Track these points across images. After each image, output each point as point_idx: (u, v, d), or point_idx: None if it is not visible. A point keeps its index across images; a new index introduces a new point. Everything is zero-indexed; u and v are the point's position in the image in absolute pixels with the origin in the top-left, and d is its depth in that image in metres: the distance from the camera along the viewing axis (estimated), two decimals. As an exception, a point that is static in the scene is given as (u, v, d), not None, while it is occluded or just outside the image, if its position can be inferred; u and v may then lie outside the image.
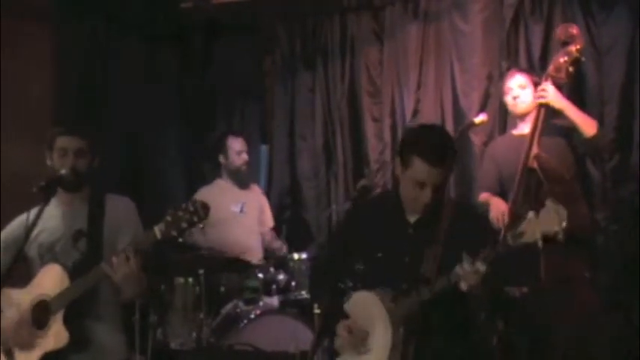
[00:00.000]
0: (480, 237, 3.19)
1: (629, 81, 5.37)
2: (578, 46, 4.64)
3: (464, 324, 3.32)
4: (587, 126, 4.60)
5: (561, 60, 4.64)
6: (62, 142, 3.56)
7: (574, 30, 4.70)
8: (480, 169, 5.33)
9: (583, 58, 4.78)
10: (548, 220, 2.95)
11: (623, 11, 5.38)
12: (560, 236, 2.92)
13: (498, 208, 4.60)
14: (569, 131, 4.66)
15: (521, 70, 5.03)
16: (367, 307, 3.22)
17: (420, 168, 3.12)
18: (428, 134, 3.28)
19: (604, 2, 5.47)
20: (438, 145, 3.17)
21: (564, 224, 2.92)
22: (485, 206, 4.72)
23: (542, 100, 4.61)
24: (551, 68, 4.68)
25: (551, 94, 4.60)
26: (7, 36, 5.50)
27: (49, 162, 3.60)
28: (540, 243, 2.98)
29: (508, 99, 4.87)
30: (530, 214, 2.99)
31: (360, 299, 3.27)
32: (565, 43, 4.69)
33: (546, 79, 4.66)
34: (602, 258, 5.21)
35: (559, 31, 4.80)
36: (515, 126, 4.96)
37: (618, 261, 5.25)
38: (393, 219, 3.32)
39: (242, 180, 6.04)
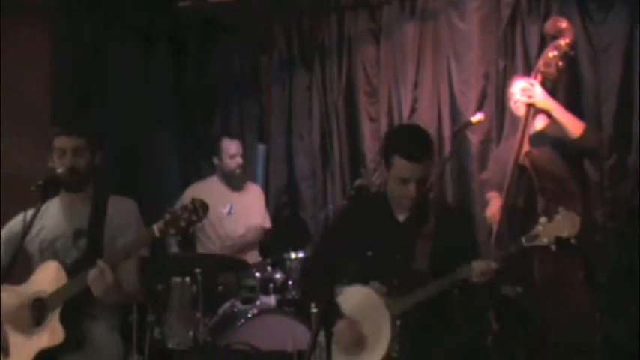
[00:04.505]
0: (466, 235, 3.54)
1: (627, 80, 5.37)
2: (567, 40, 4.60)
3: (453, 319, 3.56)
4: (573, 127, 4.56)
5: (550, 54, 4.61)
6: (60, 142, 3.58)
7: (563, 24, 4.66)
8: (491, 169, 5.37)
9: (572, 52, 4.73)
10: (562, 225, 3.26)
11: (620, 10, 5.38)
12: (573, 241, 3.23)
13: (493, 207, 4.65)
14: (559, 141, 4.62)
15: (522, 75, 5.04)
16: (363, 301, 3.36)
17: (402, 166, 3.36)
18: (406, 133, 3.63)
19: (601, 1, 5.46)
20: (415, 143, 3.42)
21: (577, 230, 3.24)
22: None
23: (529, 100, 4.60)
24: (540, 63, 4.66)
25: (538, 94, 4.59)
26: (5, 36, 5.50)
27: (50, 164, 3.61)
28: (553, 247, 3.31)
29: (511, 104, 4.88)
30: (543, 219, 3.31)
31: (354, 293, 3.39)
32: (554, 38, 4.66)
33: (536, 75, 4.65)
34: (600, 257, 5.23)
35: (548, 26, 4.76)
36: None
37: (616, 260, 5.26)
38: (383, 218, 3.53)
39: (235, 183, 6.02)
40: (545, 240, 3.29)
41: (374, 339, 3.33)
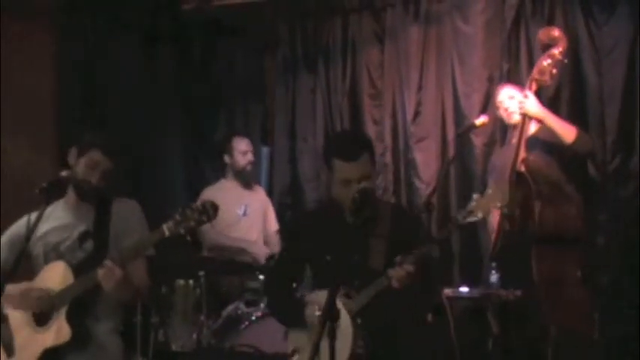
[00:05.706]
0: (416, 236, 3.57)
1: (630, 82, 5.37)
2: (560, 49, 4.71)
3: (407, 316, 3.64)
4: (566, 133, 4.66)
5: (544, 63, 4.72)
6: (97, 155, 3.57)
7: (555, 32, 4.78)
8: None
9: (566, 60, 4.84)
10: (494, 197, 3.44)
11: (624, 13, 5.38)
12: (505, 211, 3.60)
13: (494, 218, 4.68)
14: (553, 145, 4.70)
15: (507, 83, 5.20)
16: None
17: (341, 167, 3.48)
18: (339, 137, 3.97)
19: (605, 4, 5.46)
20: (348, 142, 3.63)
21: (507, 199, 3.53)
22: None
23: (521, 111, 4.70)
24: (535, 72, 4.76)
25: (529, 104, 4.68)
26: (7, 36, 5.51)
27: (71, 159, 3.61)
28: (489, 218, 3.65)
29: (501, 112, 5.00)
30: (475, 196, 3.47)
31: (316, 300, 3.49)
32: (547, 46, 4.77)
33: (531, 83, 4.74)
34: (603, 258, 5.24)
35: (541, 35, 4.89)
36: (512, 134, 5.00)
37: (619, 261, 5.27)
38: (336, 222, 3.61)
39: (247, 180, 6.02)
40: (480, 214, 3.42)
41: (338, 339, 3.32)
